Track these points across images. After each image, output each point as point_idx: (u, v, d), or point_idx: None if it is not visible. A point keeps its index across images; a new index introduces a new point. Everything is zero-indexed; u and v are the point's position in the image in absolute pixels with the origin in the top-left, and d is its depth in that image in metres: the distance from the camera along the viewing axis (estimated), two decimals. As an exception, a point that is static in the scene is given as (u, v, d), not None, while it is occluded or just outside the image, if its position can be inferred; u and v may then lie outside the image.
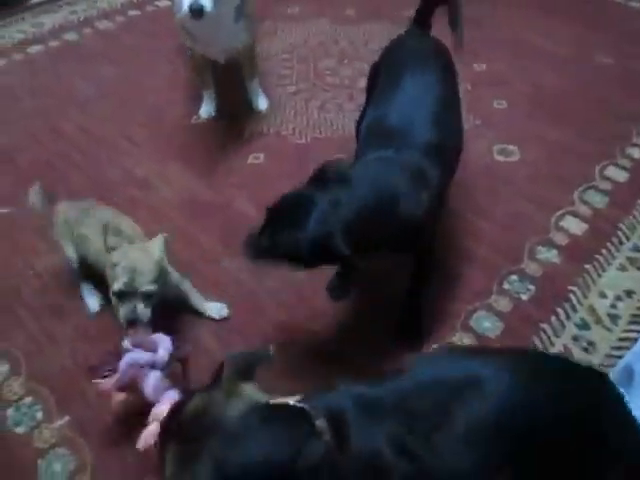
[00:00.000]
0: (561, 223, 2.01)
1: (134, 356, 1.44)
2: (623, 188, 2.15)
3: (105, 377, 1.45)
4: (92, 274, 1.81)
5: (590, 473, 1.06)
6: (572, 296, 1.77)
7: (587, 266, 1.86)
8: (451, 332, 1.69)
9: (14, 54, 3.17)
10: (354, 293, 1.82)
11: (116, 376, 1.43)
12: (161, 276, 1.60)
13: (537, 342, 1.64)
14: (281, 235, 1.36)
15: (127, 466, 1.45)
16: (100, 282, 1.77)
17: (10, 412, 1.58)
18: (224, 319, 1.77)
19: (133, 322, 1.54)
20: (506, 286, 1.80)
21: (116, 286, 1.54)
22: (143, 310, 1.55)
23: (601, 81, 2.69)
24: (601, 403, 1.09)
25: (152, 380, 1.41)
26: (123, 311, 1.55)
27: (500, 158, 2.30)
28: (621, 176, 2.20)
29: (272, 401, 1.00)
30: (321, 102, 2.66)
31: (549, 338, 1.66)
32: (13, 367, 1.69)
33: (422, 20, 1.82)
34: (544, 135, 2.40)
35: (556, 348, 1.64)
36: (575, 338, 1.66)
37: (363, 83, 2.65)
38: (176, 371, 1.52)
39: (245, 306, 1.81)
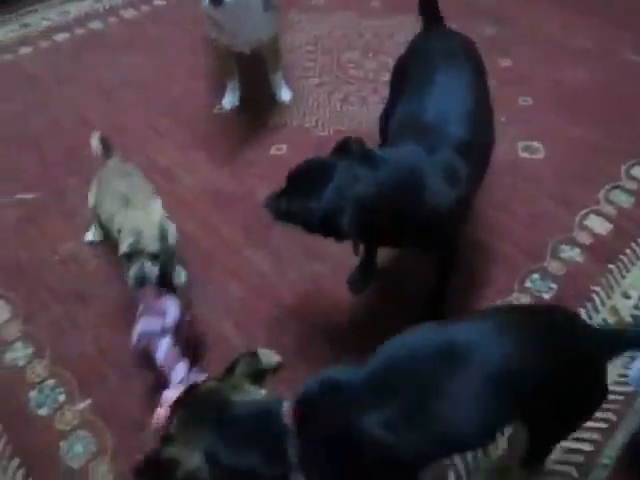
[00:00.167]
0: (585, 222, 1.98)
1: (145, 327, 1.51)
2: (650, 188, 2.12)
3: None
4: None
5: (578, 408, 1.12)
6: (595, 296, 1.76)
7: (611, 266, 1.84)
8: (471, 329, 1.68)
9: (41, 41, 3.20)
10: (375, 288, 1.82)
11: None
12: (164, 236, 1.65)
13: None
14: (296, 200, 1.38)
15: (146, 449, 1.46)
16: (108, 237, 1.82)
17: (33, 394, 1.61)
18: (245, 310, 1.78)
19: (142, 282, 1.59)
20: (528, 284, 1.79)
21: (123, 248, 1.59)
22: (151, 269, 1.59)
23: (628, 79, 2.65)
24: (576, 339, 1.12)
25: (164, 347, 1.49)
26: (132, 272, 1.59)
27: (525, 155, 2.28)
28: (648, 176, 2.17)
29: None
30: (344, 95, 2.66)
31: (570, 338, 1.64)
32: (37, 350, 1.72)
33: (431, 16, 1.80)
34: (570, 132, 2.37)
35: (577, 348, 1.62)
36: (597, 338, 1.65)
37: (387, 77, 2.63)
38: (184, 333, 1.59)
39: (265, 296, 1.82)
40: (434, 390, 1.02)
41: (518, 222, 1.99)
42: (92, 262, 1.94)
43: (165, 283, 1.69)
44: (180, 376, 1.48)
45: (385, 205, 1.35)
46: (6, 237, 2.09)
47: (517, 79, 2.66)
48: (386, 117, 1.73)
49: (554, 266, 1.84)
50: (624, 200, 2.07)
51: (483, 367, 1.03)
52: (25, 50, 3.15)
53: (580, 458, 1.40)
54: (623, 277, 1.81)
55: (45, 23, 3.39)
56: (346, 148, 1.38)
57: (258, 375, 1.11)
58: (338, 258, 1.89)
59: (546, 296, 1.76)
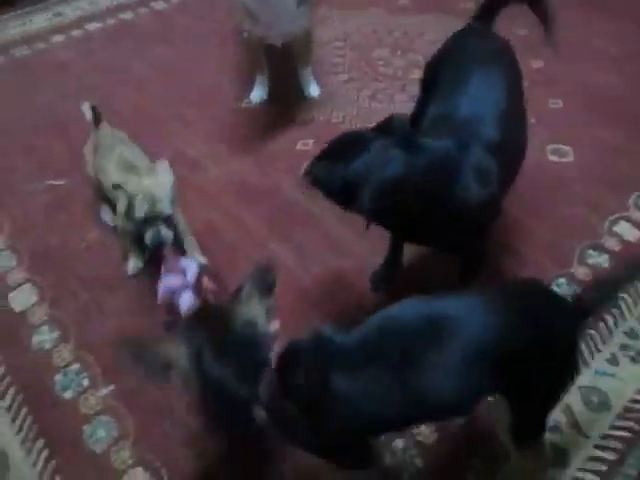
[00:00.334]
0: (614, 228, 1.95)
1: (168, 284, 1.57)
2: (681, 196, 2.08)
3: None
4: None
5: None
6: (622, 304, 1.73)
7: (639, 274, 1.81)
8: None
9: (73, 30, 3.24)
10: (398, 286, 1.81)
11: None
12: (174, 199, 1.73)
13: (583, 348, 1.61)
14: (324, 165, 1.39)
15: (167, 438, 1.49)
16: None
17: (59, 377, 1.64)
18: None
19: (160, 244, 1.66)
20: (554, 288, 1.77)
21: (138, 214, 1.66)
22: (167, 232, 1.68)
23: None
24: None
25: (186, 300, 1.53)
26: (149, 236, 1.67)
27: (554, 158, 2.25)
28: (680, 183, 2.13)
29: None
30: (372, 92, 2.65)
31: (596, 345, 1.63)
32: (63, 334, 1.75)
33: (486, 16, 1.78)
34: (600, 137, 2.33)
35: (602, 355, 1.60)
36: (623, 347, 1.63)
37: (416, 75, 2.65)
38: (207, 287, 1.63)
39: (289, 290, 1.81)
40: (412, 359, 1.08)
41: (545, 226, 1.97)
42: (118, 250, 1.96)
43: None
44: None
45: (412, 191, 1.34)
46: (36, 222, 2.12)
47: (548, 81, 2.63)
48: (417, 115, 1.72)
49: (581, 272, 1.82)
50: (655, 208, 2.03)
51: (462, 338, 1.08)
52: (58, 38, 3.20)
53: (603, 467, 1.38)
54: (652, 285, 1.78)
55: (77, 12, 3.44)
56: (389, 125, 1.38)
57: (267, 289, 1.23)
58: (362, 254, 1.90)
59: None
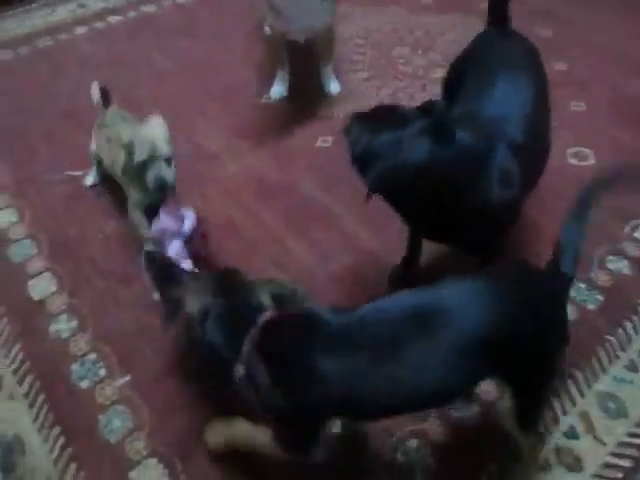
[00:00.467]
0: (635, 234, 1.93)
1: (164, 225, 1.68)
2: (703, 203, 2.05)
3: None
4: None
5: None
6: (641, 310, 1.71)
7: (659, 280, 1.79)
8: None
9: (96, 22, 3.27)
10: (416, 285, 1.81)
11: None
12: (171, 146, 1.78)
13: (602, 353, 1.60)
14: (357, 129, 1.40)
15: (182, 430, 1.49)
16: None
17: (75, 367, 1.65)
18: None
19: (162, 184, 1.72)
20: (572, 293, 1.75)
21: (139, 157, 1.72)
22: (168, 172, 1.74)
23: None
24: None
25: (175, 246, 1.67)
26: (151, 176, 1.73)
27: (574, 161, 2.23)
28: (702, 190, 2.10)
29: None
30: (393, 90, 2.64)
31: (614, 351, 1.61)
32: (80, 324, 1.76)
33: (498, 19, 1.76)
34: (622, 141, 2.31)
35: (621, 362, 1.59)
36: (642, 353, 1.61)
37: (437, 74, 2.64)
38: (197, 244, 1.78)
39: (306, 287, 1.81)
40: (394, 347, 1.10)
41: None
42: (134, 243, 1.97)
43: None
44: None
45: (432, 181, 1.34)
46: (56, 212, 2.14)
47: (571, 83, 2.61)
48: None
49: (601, 277, 1.81)
50: (677, 214, 2.01)
51: (452, 327, 1.10)
52: (80, 30, 3.22)
53: (619, 474, 1.37)
54: (672, 292, 1.76)
55: (100, 5, 3.46)
56: (429, 110, 1.37)
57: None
58: (378, 252, 1.90)
59: (591, 306, 1.72)
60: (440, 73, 2.59)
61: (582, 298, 1.74)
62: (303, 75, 2.66)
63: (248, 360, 1.18)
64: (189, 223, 1.74)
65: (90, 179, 2.22)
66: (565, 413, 1.48)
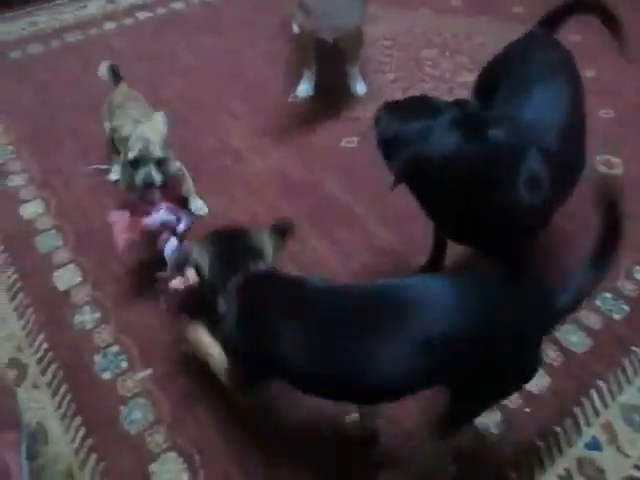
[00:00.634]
0: (663, 244, 1.90)
1: (163, 218, 1.73)
2: None
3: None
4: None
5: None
6: (668, 322, 1.68)
7: (687, 292, 1.76)
8: (535, 342, 1.64)
9: (125, 18, 3.30)
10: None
11: (134, 220, 1.74)
12: (166, 147, 1.84)
13: (627, 364, 1.58)
14: (387, 116, 1.39)
15: (201, 424, 1.50)
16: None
17: (98, 358, 1.67)
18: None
19: (149, 184, 1.79)
20: (598, 303, 1.73)
21: (131, 154, 1.77)
22: (157, 174, 1.79)
23: None
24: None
25: (171, 245, 1.72)
26: (140, 176, 1.79)
27: (602, 169, 2.20)
28: None
29: None
30: (419, 92, 2.60)
31: (639, 361, 1.59)
32: (104, 316, 1.78)
33: (551, 23, 1.74)
34: (651, 150, 2.28)
35: (646, 373, 1.57)
36: (668, 365, 1.58)
37: (464, 78, 2.62)
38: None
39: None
40: (349, 330, 1.12)
41: (591, 237, 1.92)
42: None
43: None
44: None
45: (458, 172, 1.32)
46: (81, 204, 2.17)
47: (600, 90, 2.57)
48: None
49: (627, 287, 1.78)
50: None
51: (409, 320, 1.08)
52: (110, 25, 3.25)
53: (640, 485, 1.35)
54: (700, 305, 1.73)
55: (130, 1, 3.49)
56: (463, 105, 1.37)
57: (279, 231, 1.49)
58: (400, 253, 1.89)
59: (617, 316, 1.69)
60: (467, 76, 2.57)
61: (608, 308, 1.72)
62: (330, 75, 2.66)
63: (229, 298, 1.29)
64: (185, 223, 1.80)
65: (115, 174, 2.23)
66: (589, 424, 1.46)
